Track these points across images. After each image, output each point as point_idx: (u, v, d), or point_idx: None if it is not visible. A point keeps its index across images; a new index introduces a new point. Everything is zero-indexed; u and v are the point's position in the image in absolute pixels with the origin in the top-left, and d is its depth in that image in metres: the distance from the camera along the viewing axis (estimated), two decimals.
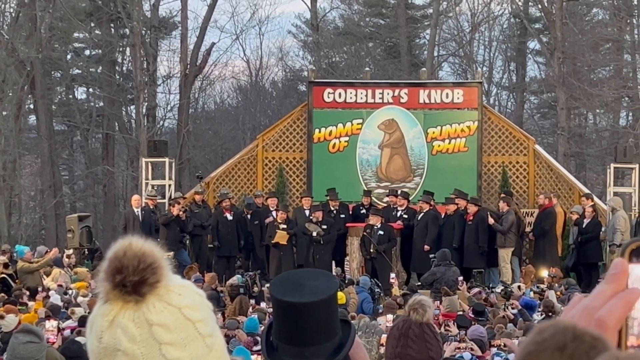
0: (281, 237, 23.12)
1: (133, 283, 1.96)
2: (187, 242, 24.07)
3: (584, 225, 23.33)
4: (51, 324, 14.46)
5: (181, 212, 23.36)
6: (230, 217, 23.99)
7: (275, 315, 3.12)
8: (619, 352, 1.12)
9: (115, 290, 1.97)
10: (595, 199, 25.15)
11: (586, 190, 25.64)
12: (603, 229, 23.48)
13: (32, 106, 42.12)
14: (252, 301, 19.61)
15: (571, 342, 1.16)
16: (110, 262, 1.99)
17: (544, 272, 21.74)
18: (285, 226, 23.31)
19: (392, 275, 22.25)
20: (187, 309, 2.02)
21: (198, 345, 2.03)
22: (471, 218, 22.84)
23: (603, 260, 23.45)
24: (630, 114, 40.98)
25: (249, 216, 24.21)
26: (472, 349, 12.52)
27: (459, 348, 12.67)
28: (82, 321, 14.51)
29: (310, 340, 3.01)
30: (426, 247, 22.72)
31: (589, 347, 1.15)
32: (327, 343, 3.03)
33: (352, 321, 3.57)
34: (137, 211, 24.21)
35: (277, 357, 3.05)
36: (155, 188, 26.08)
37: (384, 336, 11.22)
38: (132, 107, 42.67)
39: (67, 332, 14.01)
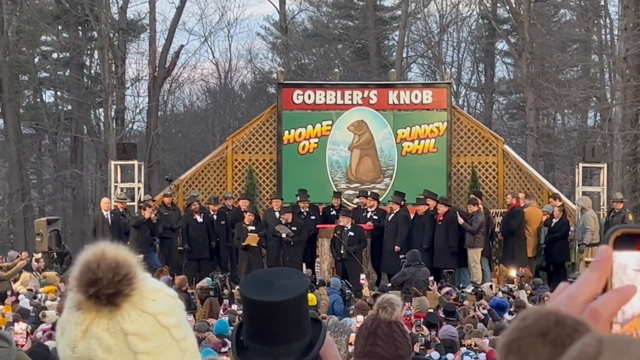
0: (252, 239, 23.07)
1: (108, 295, 1.93)
2: (157, 245, 23.98)
3: (552, 225, 23.45)
4: (20, 327, 14.38)
5: (152, 215, 23.30)
6: (200, 220, 23.94)
7: (245, 314, 3.10)
8: (602, 334, 1.12)
9: (89, 301, 1.94)
10: (564, 198, 25.29)
11: (555, 190, 25.77)
12: (572, 229, 23.61)
13: None
14: (226, 301, 19.62)
15: (554, 327, 1.16)
16: (83, 273, 1.94)
17: (513, 272, 21.82)
18: (254, 228, 23.27)
19: (363, 276, 22.28)
20: (162, 315, 1.99)
21: (173, 351, 2.01)
22: (441, 218, 22.89)
23: (571, 260, 23.59)
24: (598, 114, 41.22)
25: (215, 216, 24.13)
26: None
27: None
28: (55, 325, 14.42)
29: (280, 340, 3.00)
30: (396, 248, 22.75)
31: (572, 331, 1.15)
32: (297, 342, 3.02)
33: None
34: (107, 214, 24.10)
35: (247, 357, 3.03)
36: (125, 191, 25.97)
37: (353, 335, 11.23)
38: (101, 110, 42.55)
39: (39, 334, 13.93)
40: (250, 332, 3.04)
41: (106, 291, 1.92)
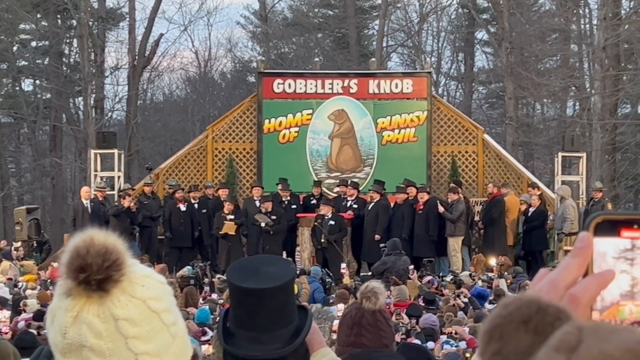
0: (229, 227, 23.05)
1: (98, 281, 1.94)
2: (137, 233, 23.94)
3: (529, 214, 23.53)
4: (3, 315, 14.35)
5: (132, 204, 23.26)
6: (183, 208, 23.91)
7: (232, 301, 3.12)
8: (583, 322, 1.13)
9: (79, 287, 1.95)
10: (543, 187, 25.37)
11: (534, 179, 25.86)
12: (551, 218, 23.70)
13: None
14: (207, 289, 19.62)
15: (536, 314, 1.17)
16: (72, 259, 1.95)
17: (493, 261, 21.89)
18: (233, 217, 23.26)
19: (343, 265, 22.30)
20: (152, 300, 2.01)
21: (163, 336, 2.02)
22: (421, 207, 22.93)
23: (548, 249, 23.68)
24: (577, 103, 41.36)
25: (196, 205, 24.12)
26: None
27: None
28: (37, 315, 14.41)
29: (266, 326, 3.01)
30: (377, 237, 22.77)
31: (554, 318, 1.17)
32: (284, 329, 3.04)
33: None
34: (86, 203, 24.04)
35: (234, 343, 3.04)
36: (104, 180, 25.93)
37: (336, 322, 11.26)
38: (80, 98, 42.37)
39: (21, 324, 13.91)
40: (237, 319, 3.06)
41: (96, 277, 1.93)
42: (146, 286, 2.02)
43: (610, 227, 1.32)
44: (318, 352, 3.31)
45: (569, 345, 1.08)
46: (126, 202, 23.19)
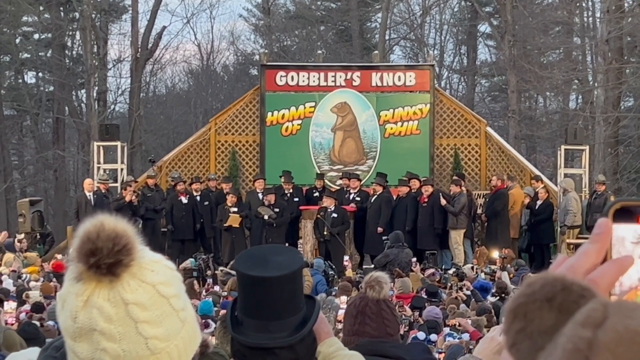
0: (234, 220, 23.08)
1: (108, 265, 1.95)
2: (140, 226, 23.94)
3: (536, 207, 23.53)
4: (10, 306, 14.39)
5: (134, 198, 23.26)
6: (185, 201, 23.93)
7: (240, 289, 3.13)
8: (607, 300, 1.15)
9: (90, 271, 1.96)
10: (546, 180, 25.37)
11: (537, 172, 25.85)
12: (555, 210, 23.69)
13: None
14: (210, 281, 19.65)
15: (560, 292, 1.18)
16: (83, 243, 1.96)
17: (495, 254, 21.90)
18: (236, 209, 23.28)
19: (346, 257, 22.34)
20: (161, 285, 2.02)
21: (173, 321, 2.04)
22: (426, 200, 22.93)
23: (555, 242, 23.68)
24: (580, 96, 41.33)
25: (198, 197, 24.13)
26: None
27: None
28: (36, 307, 14.45)
29: (274, 315, 3.03)
30: (379, 229, 22.79)
31: (578, 296, 1.18)
32: (291, 318, 3.05)
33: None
34: (89, 195, 24.06)
35: (242, 332, 3.06)
36: (107, 172, 25.94)
37: (341, 312, 11.29)
38: (83, 91, 42.37)
39: (22, 316, 13.95)
40: (245, 308, 3.07)
41: (106, 261, 1.94)
42: (156, 271, 2.03)
43: (628, 214, 1.33)
44: (325, 341, 3.33)
45: (595, 320, 1.09)
46: (127, 196, 23.21)
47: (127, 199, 23.14)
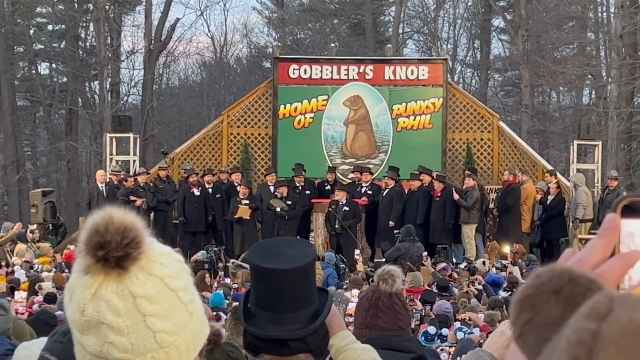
0: (244, 212, 23.08)
1: (116, 258, 1.94)
2: (151, 218, 23.96)
3: (548, 202, 23.49)
4: (20, 296, 14.43)
5: (140, 202, 23.01)
6: (197, 193, 23.95)
7: (252, 281, 3.14)
8: (613, 292, 1.15)
9: (98, 264, 1.95)
10: (559, 175, 25.33)
11: (550, 167, 25.81)
12: (566, 206, 23.65)
13: None
14: (221, 273, 19.69)
15: (567, 285, 1.19)
16: (91, 236, 1.95)
17: (507, 248, 21.88)
18: (247, 202, 23.28)
19: (357, 251, 22.34)
20: (169, 278, 2.01)
21: (181, 314, 2.03)
22: (439, 194, 22.91)
23: (567, 237, 23.64)
24: (594, 91, 41.22)
25: (210, 190, 24.15)
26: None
27: None
28: (48, 297, 14.50)
29: (287, 307, 3.04)
30: (391, 223, 22.79)
31: (585, 289, 1.19)
32: (304, 310, 3.06)
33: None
34: (102, 186, 24.12)
35: (254, 323, 3.07)
36: (120, 163, 25.98)
37: (351, 305, 11.29)
38: (96, 82, 42.45)
39: (35, 307, 14.00)
40: (258, 299, 3.08)
41: (114, 254, 1.93)
42: (164, 264, 2.02)
43: (637, 209, 1.34)
44: (338, 334, 3.34)
45: (600, 313, 1.10)
46: (128, 184, 23.42)
47: (127, 185, 23.31)
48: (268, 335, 3.05)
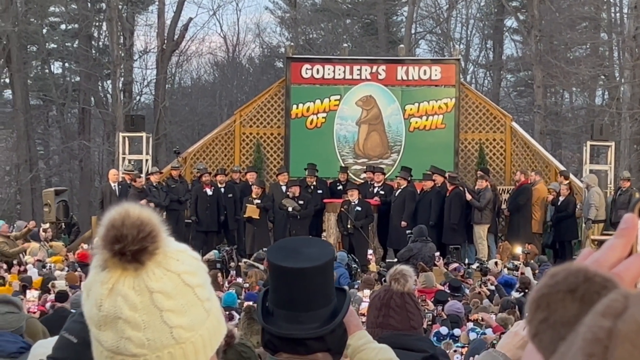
0: (252, 211, 23.08)
1: (133, 252, 1.95)
2: (163, 217, 23.96)
3: (559, 203, 23.46)
4: (32, 294, 14.45)
5: (141, 184, 23.30)
6: (210, 192, 23.97)
7: (271, 280, 3.15)
8: (628, 291, 1.16)
9: (115, 259, 1.95)
10: (571, 176, 25.29)
11: (562, 168, 25.77)
12: (578, 206, 23.61)
13: (7, 80, 41.90)
14: (233, 273, 19.69)
15: (583, 283, 1.20)
16: (108, 230, 1.96)
17: (519, 249, 21.84)
18: (259, 201, 23.29)
19: (369, 251, 22.33)
20: (186, 274, 2.02)
21: (197, 311, 2.03)
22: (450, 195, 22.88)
23: (578, 238, 23.60)
24: (606, 92, 41.14)
25: (223, 189, 24.17)
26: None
27: None
28: (60, 296, 14.52)
29: (305, 306, 3.04)
30: (403, 223, 22.78)
31: (600, 287, 1.20)
32: (322, 309, 3.07)
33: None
34: (114, 186, 24.16)
35: (273, 322, 3.08)
36: (132, 163, 26.03)
37: (363, 305, 11.29)
38: (109, 81, 42.50)
39: (48, 305, 14.02)
40: (276, 299, 3.09)
41: (131, 247, 1.94)
42: (181, 260, 2.02)
43: None
44: (355, 334, 3.35)
45: (615, 311, 1.11)
46: (138, 184, 23.43)
47: (137, 186, 23.33)
48: (286, 334, 3.06)
